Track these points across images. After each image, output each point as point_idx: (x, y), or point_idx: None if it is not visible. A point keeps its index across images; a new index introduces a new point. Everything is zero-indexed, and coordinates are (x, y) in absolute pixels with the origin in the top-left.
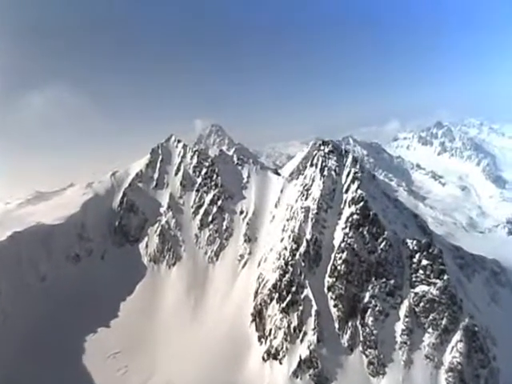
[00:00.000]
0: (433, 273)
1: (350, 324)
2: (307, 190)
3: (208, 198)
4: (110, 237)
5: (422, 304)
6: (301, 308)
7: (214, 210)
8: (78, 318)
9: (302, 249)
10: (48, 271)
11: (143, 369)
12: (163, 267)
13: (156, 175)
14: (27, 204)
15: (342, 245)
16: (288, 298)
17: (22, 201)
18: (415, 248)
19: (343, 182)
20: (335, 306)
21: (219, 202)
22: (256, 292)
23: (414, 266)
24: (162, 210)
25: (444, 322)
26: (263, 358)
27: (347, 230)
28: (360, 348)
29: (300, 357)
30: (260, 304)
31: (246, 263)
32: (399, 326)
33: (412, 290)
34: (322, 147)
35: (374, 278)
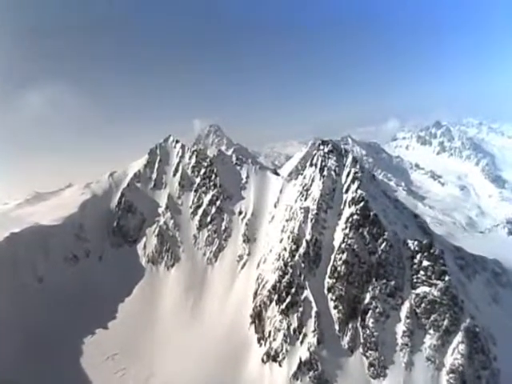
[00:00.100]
0: (434, 274)
1: (350, 325)
2: (307, 190)
3: (207, 199)
4: (107, 237)
5: (423, 305)
6: (301, 309)
7: (213, 210)
8: (76, 319)
9: (301, 250)
10: (45, 272)
11: (141, 371)
12: (162, 268)
13: (154, 175)
14: (26, 204)
15: (342, 245)
16: (288, 300)
17: (21, 201)
18: (416, 249)
19: (343, 182)
20: (335, 307)
21: (218, 203)
22: (255, 293)
23: (414, 266)
24: (160, 210)
25: (445, 323)
26: (263, 360)
27: (347, 230)
28: (360, 350)
29: (300, 359)
30: (259, 305)
31: (245, 264)
32: (400, 328)
33: (413, 291)
34: (321, 147)
35: (374, 279)
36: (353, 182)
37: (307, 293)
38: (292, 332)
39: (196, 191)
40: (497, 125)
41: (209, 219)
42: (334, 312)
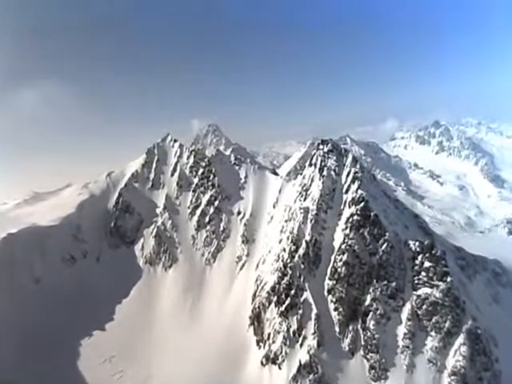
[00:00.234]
0: (436, 275)
1: (350, 328)
2: (306, 190)
3: (205, 199)
4: (105, 238)
5: (424, 307)
6: (300, 311)
7: (211, 210)
8: (73, 320)
9: (301, 250)
10: (42, 273)
11: (139, 373)
12: (159, 269)
13: (152, 175)
14: (24, 204)
15: (343, 246)
16: (287, 301)
17: (19, 201)
18: (417, 249)
19: (343, 182)
20: (336, 309)
21: (216, 203)
22: (254, 295)
23: (416, 267)
24: (158, 210)
25: (447, 324)
26: (262, 363)
27: (347, 231)
28: (361, 352)
29: (300, 361)
30: (258, 307)
31: (243, 265)
32: (401, 330)
33: (414, 292)
34: (321, 146)
35: (375, 281)
36: (353, 181)
37: (307, 294)
38: (292, 334)
39: (194, 191)
40: (496, 124)
41: (207, 220)
42: (334, 314)
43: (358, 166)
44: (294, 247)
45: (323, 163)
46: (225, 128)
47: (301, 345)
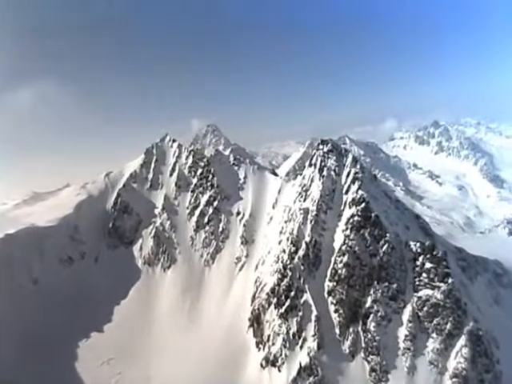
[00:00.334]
0: (437, 276)
1: (351, 330)
2: (306, 190)
3: (204, 199)
4: (103, 239)
5: (425, 308)
6: (300, 313)
7: (210, 211)
8: (71, 322)
9: (300, 252)
10: (40, 274)
11: (137, 376)
12: (158, 270)
13: (150, 176)
14: (23, 205)
15: (343, 247)
16: (287, 303)
17: (19, 201)
18: (418, 250)
19: (343, 182)
20: (336, 311)
21: (215, 203)
22: (253, 296)
23: (417, 269)
24: (156, 211)
25: (448, 326)
26: (261, 365)
27: (348, 232)
28: (362, 354)
29: (300, 364)
30: (258, 309)
31: (242, 266)
32: (402, 332)
33: (415, 294)
34: (320, 146)
35: (376, 282)
36: (353, 182)
37: (307, 296)
38: (291, 336)
39: (193, 192)
40: (495, 124)
41: (206, 220)
42: (334, 316)
43: (358, 166)
44: (293, 248)
45: (323, 163)
46: (224, 128)
47: (301, 347)
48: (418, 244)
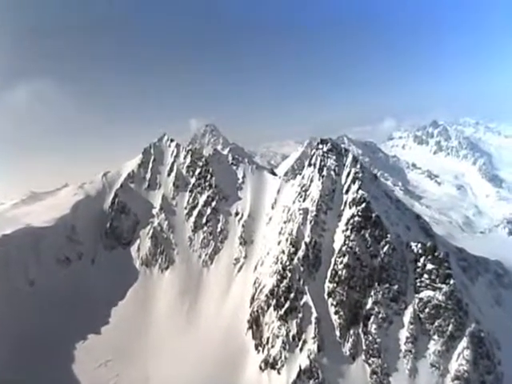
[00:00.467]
0: (438, 277)
1: (351, 332)
2: (305, 190)
3: (202, 199)
4: (100, 239)
5: (427, 310)
6: (300, 315)
7: (209, 211)
8: (68, 323)
9: (300, 253)
10: (37, 275)
11: (135, 378)
12: (156, 271)
13: (148, 175)
14: (21, 205)
15: (343, 248)
16: (286, 305)
17: (17, 201)
18: (420, 251)
19: (343, 182)
20: (336, 312)
21: (214, 203)
22: (252, 298)
23: (418, 270)
24: (154, 211)
25: (450, 328)
26: (260, 368)
27: (348, 232)
28: (363, 357)
29: (300, 366)
30: (257, 310)
31: (241, 267)
32: (403, 334)
33: (417, 295)
34: (320, 146)
35: (376, 284)
36: (353, 182)
37: (307, 298)
38: (291, 339)
39: (191, 192)
40: (494, 124)
41: (204, 220)
42: (334, 318)
43: (358, 166)
44: (293, 249)
45: (323, 163)
46: (222, 128)
47: (301, 349)
48: (419, 245)
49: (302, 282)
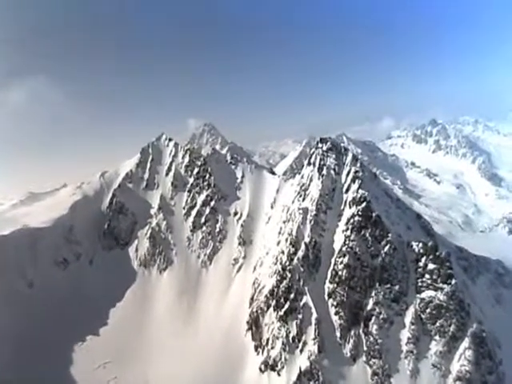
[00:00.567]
0: (440, 277)
1: (352, 333)
2: (305, 190)
3: (200, 199)
4: (98, 240)
5: (428, 310)
6: (300, 316)
7: (207, 211)
8: (66, 325)
9: (300, 253)
10: (35, 276)
11: (134, 379)
12: (154, 272)
13: (146, 175)
14: (20, 205)
15: (343, 248)
16: (286, 306)
17: (16, 202)
18: (421, 251)
19: (343, 181)
20: (337, 313)
21: (212, 203)
22: (252, 298)
23: (419, 270)
24: (152, 211)
25: (452, 328)
26: (260, 369)
27: (348, 232)
28: (363, 358)
29: (300, 368)
30: (256, 311)
31: (240, 267)
32: (405, 334)
33: (418, 295)
34: (319, 145)
35: (377, 284)
36: (353, 181)
37: (307, 298)
38: (291, 340)
39: (189, 191)
40: (493, 123)
41: (203, 220)
42: (335, 318)
43: (358, 165)
44: (292, 249)
45: (322, 162)
46: (221, 127)
47: (301, 350)
48: (420, 244)
49: (301, 282)
